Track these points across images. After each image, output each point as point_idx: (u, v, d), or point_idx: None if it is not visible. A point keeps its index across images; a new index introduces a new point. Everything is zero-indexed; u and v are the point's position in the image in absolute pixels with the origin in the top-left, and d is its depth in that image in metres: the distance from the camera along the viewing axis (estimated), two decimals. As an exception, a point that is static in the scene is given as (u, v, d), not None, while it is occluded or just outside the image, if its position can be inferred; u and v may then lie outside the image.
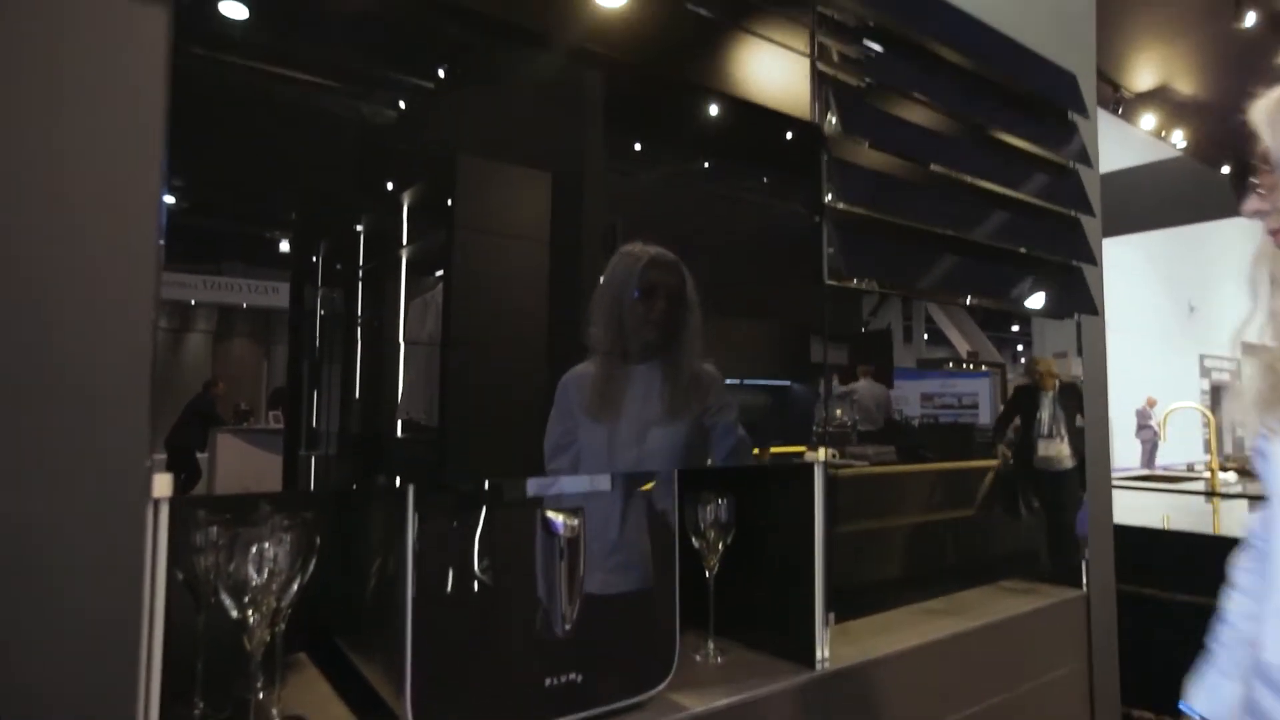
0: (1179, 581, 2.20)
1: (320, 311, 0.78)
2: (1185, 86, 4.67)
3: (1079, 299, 1.65)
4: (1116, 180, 6.90)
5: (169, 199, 0.68)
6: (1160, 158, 6.52)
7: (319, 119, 0.82)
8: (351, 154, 0.83)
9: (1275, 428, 0.90)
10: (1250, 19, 3.61)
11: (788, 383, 1.19)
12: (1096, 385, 1.76)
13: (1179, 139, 5.35)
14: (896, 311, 1.64)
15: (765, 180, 1.21)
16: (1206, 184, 6.18)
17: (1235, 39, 3.92)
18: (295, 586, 0.83)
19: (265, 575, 0.81)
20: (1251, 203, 0.90)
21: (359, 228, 0.81)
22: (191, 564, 0.89)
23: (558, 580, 0.89)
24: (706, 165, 1.13)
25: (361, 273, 0.81)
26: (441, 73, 0.90)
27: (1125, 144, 6.87)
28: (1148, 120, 5.01)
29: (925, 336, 1.74)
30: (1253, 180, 0.90)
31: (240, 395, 0.80)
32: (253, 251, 0.78)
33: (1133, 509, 2.88)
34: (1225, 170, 6.00)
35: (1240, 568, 1.03)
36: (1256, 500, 3.10)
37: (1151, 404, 11.67)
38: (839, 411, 1.72)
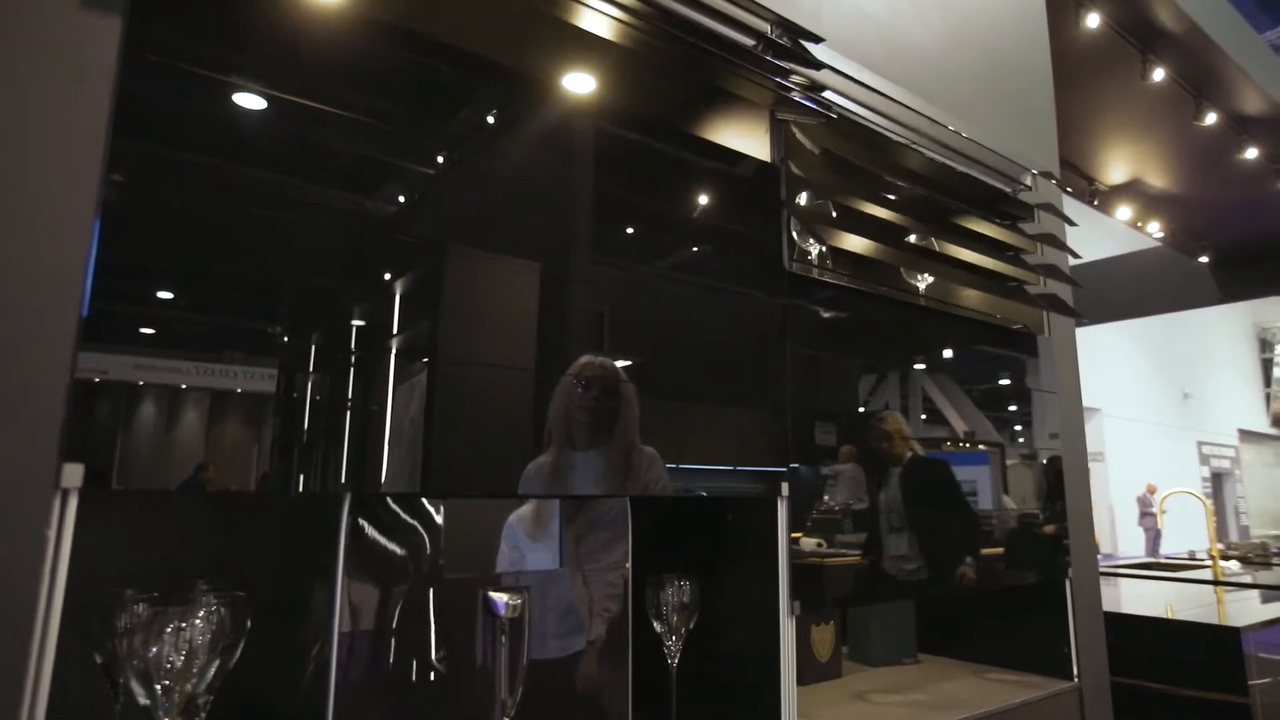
0: (1183, 675, 2.10)
1: (312, 396, 0.79)
2: (1156, 180, 4.83)
3: (1057, 305, 1.66)
4: (1099, 269, 7.05)
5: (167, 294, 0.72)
6: (1139, 247, 6.69)
7: (313, 212, 0.84)
8: (341, 245, 0.85)
9: None
10: (1210, 118, 3.76)
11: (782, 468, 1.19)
12: (1077, 467, 1.73)
13: (1155, 229, 5.49)
14: (895, 390, 1.63)
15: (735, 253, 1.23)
16: (1186, 273, 6.30)
17: (1198, 136, 4.08)
18: (213, 672, 0.78)
19: (182, 658, 0.77)
20: None
21: (350, 316, 0.84)
22: (112, 647, 0.85)
23: (498, 665, 0.84)
24: (693, 250, 1.14)
25: (353, 359, 0.83)
26: (439, 159, 0.93)
27: (1109, 234, 7.04)
28: (1123, 212, 5.15)
29: (924, 416, 1.72)
30: None
31: (231, 479, 0.80)
32: (249, 340, 0.80)
33: (1134, 598, 2.78)
34: (1204, 260, 6.14)
35: None
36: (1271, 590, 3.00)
37: (1152, 491, 11.53)
38: (826, 497, 1.69)
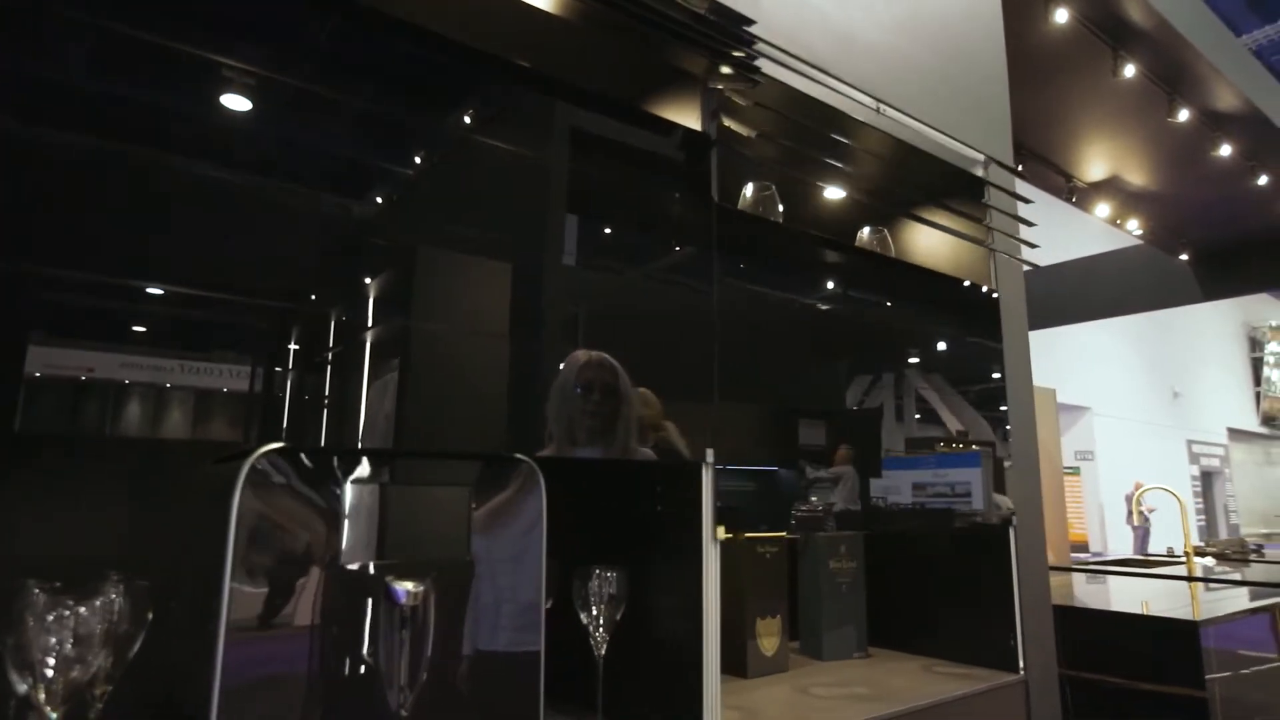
0: (1144, 669, 2.10)
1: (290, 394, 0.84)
2: (1134, 177, 4.84)
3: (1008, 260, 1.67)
4: (1081, 267, 7.06)
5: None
6: (1120, 245, 6.70)
7: (289, 216, 0.88)
8: (316, 248, 0.89)
9: None
10: (1183, 115, 3.77)
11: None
12: (1027, 458, 1.72)
13: (1134, 227, 5.50)
14: (889, 391, 1.63)
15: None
16: (1167, 271, 6.32)
17: (1173, 133, 4.08)
18: (101, 662, 0.77)
19: (70, 646, 0.76)
20: None
21: (326, 317, 0.87)
22: (4, 639, 0.83)
23: (397, 657, 0.83)
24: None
25: (330, 357, 0.86)
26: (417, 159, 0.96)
27: (1091, 234, 7.05)
28: (1102, 209, 5.16)
29: (918, 416, 1.72)
30: None
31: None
32: (235, 337, 0.84)
33: (1102, 594, 2.79)
34: (1184, 258, 6.15)
35: None
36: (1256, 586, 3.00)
37: (1139, 488, 11.56)
38: (813, 498, 1.69)
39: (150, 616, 0.84)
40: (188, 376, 0.80)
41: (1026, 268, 1.85)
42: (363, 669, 0.82)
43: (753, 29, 1.23)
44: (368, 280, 0.91)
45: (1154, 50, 3.40)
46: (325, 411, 0.86)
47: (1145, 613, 2.23)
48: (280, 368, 0.84)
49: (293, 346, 0.85)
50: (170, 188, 0.80)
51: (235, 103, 0.84)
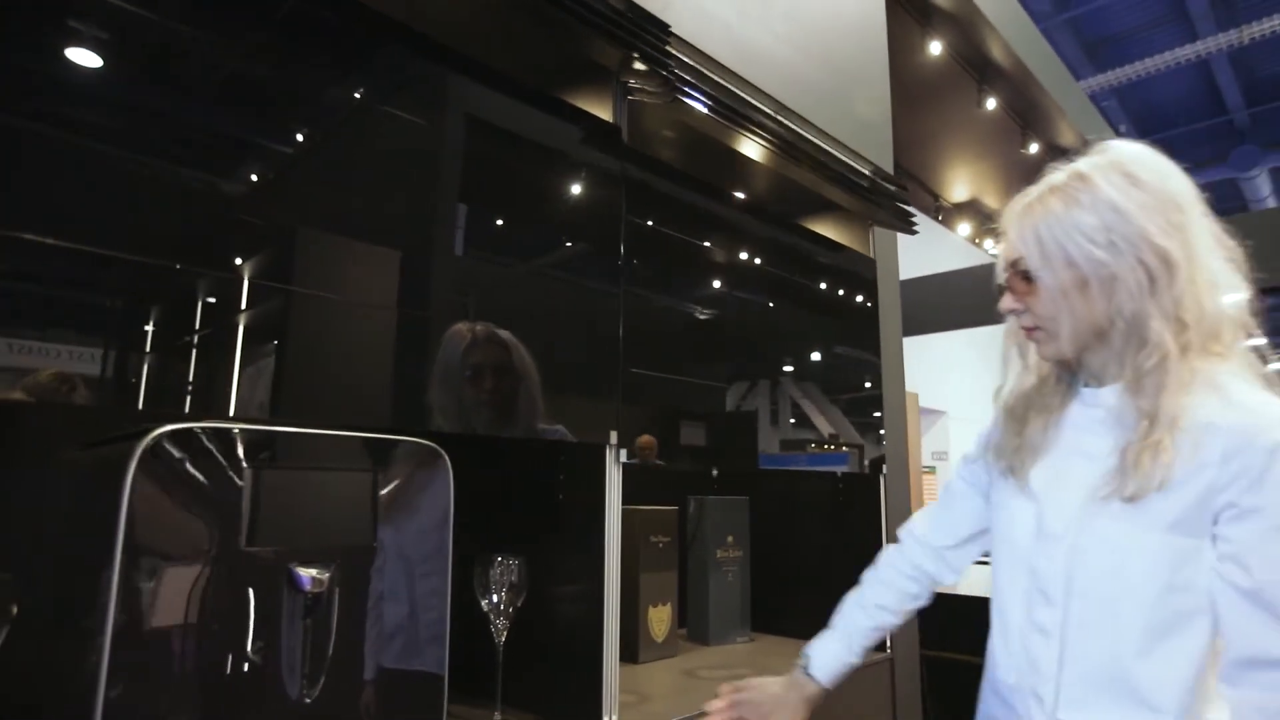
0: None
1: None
2: (991, 201, 5.30)
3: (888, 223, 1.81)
4: (942, 281, 7.63)
5: None
6: (978, 263, 7.29)
7: (154, 182, 0.81)
8: (185, 221, 0.83)
9: (1005, 470, 0.99)
10: (1034, 147, 4.16)
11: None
12: (898, 459, 1.87)
13: (991, 246, 6.01)
14: (764, 396, 1.70)
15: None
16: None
17: (1025, 163, 4.49)
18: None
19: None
20: (1006, 301, 0.96)
21: (192, 295, 0.82)
22: None
23: (299, 643, 0.80)
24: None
25: (196, 339, 0.81)
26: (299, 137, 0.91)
27: (952, 249, 7.57)
28: (964, 228, 5.62)
29: (792, 420, 1.80)
30: (1006, 279, 0.96)
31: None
32: (81, 317, 0.77)
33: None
34: (1030, 276, 6.79)
35: (890, 564, 1.18)
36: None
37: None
38: None
39: (15, 612, 0.79)
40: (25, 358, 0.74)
41: (904, 235, 2.01)
42: (263, 659, 0.79)
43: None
44: (242, 258, 0.88)
45: (1011, 87, 3.75)
46: (234, 391, 0.84)
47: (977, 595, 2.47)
48: (140, 350, 0.80)
49: (152, 326, 0.81)
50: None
51: (84, 58, 0.77)
